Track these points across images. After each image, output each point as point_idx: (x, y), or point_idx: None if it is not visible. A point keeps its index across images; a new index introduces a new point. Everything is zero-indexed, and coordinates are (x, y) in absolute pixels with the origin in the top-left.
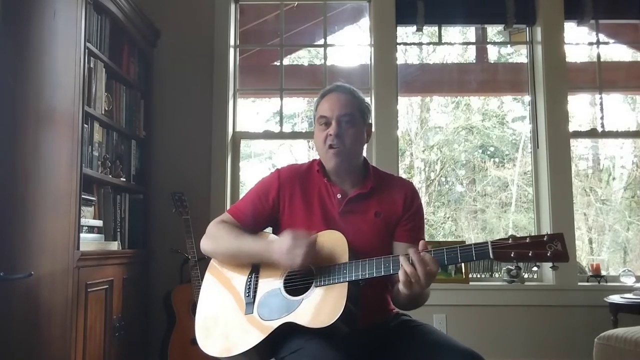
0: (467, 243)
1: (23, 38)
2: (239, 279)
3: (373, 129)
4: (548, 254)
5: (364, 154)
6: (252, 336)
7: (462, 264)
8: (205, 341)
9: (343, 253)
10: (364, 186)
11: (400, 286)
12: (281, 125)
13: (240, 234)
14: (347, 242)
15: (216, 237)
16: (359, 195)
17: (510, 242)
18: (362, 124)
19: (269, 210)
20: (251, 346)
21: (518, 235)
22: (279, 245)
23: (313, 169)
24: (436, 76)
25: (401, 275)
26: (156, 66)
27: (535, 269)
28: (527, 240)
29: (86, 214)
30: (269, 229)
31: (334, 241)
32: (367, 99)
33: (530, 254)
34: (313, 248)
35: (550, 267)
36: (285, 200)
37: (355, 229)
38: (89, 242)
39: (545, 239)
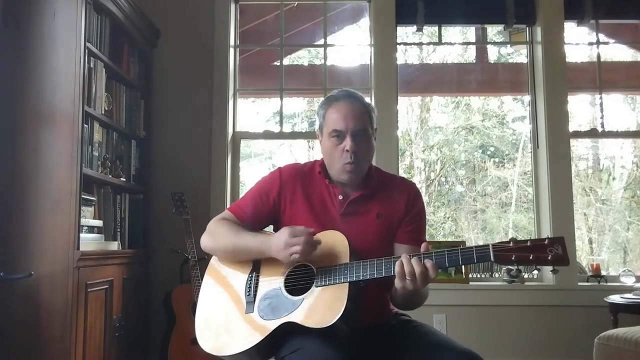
0: (468, 245)
1: (23, 38)
2: (240, 278)
3: None
4: (549, 258)
5: None
6: (252, 335)
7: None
8: (205, 339)
9: (344, 253)
10: (366, 188)
11: (396, 280)
12: (281, 125)
13: (239, 230)
14: (349, 242)
15: (216, 234)
16: (360, 196)
17: (511, 245)
18: (372, 132)
19: (269, 209)
20: (251, 345)
21: (519, 239)
22: (277, 240)
23: (315, 170)
24: (436, 76)
25: (397, 267)
26: (156, 66)
27: (535, 272)
28: (528, 244)
29: (86, 214)
30: (269, 228)
31: (335, 241)
32: (367, 99)
33: (531, 258)
34: (311, 242)
35: (551, 271)
36: (287, 200)
37: (357, 231)
38: (89, 242)
39: (546, 242)
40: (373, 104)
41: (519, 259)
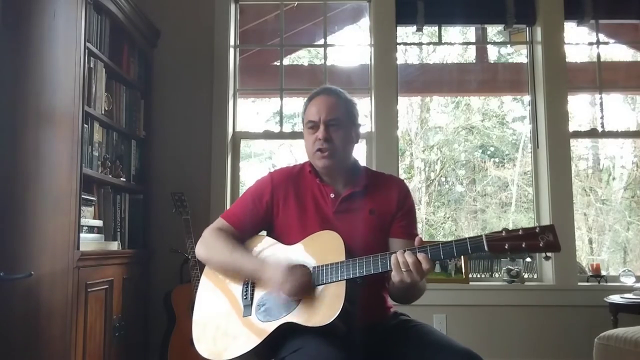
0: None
1: (23, 38)
2: (236, 281)
3: (373, 129)
4: (540, 245)
5: (364, 154)
6: (251, 339)
7: (462, 263)
8: (204, 345)
9: (339, 252)
10: (357, 185)
11: (393, 274)
12: (281, 125)
13: (234, 248)
14: (343, 241)
15: (210, 248)
16: (352, 194)
17: (503, 234)
18: (350, 124)
19: (262, 213)
20: (250, 348)
21: (511, 228)
22: (273, 271)
23: (305, 170)
24: (436, 76)
25: (393, 261)
26: (156, 66)
27: (528, 260)
28: (520, 233)
29: (86, 214)
30: (263, 232)
31: (330, 241)
32: (367, 99)
33: (523, 245)
34: (304, 287)
35: (544, 257)
36: (279, 203)
37: (350, 228)
38: (89, 242)
39: (537, 230)
40: (373, 104)
41: (512, 248)
